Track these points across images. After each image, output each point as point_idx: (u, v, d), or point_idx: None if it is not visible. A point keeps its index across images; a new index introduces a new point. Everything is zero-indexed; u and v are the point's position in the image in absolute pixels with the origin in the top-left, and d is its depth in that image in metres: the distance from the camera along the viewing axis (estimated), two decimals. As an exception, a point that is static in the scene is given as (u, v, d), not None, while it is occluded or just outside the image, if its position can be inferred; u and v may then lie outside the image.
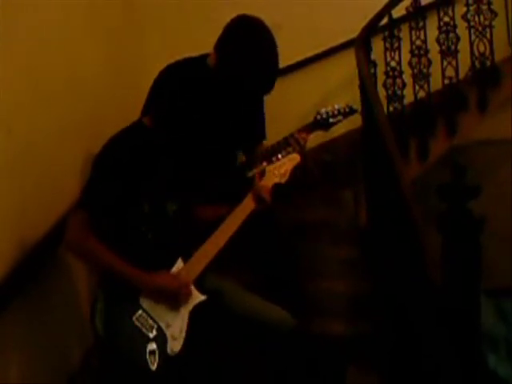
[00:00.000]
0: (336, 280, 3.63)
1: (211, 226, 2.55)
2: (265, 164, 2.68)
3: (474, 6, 4.60)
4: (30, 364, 2.45)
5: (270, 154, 2.88)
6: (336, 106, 2.97)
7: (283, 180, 2.65)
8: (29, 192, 2.52)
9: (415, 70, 4.53)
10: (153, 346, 2.37)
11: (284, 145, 2.91)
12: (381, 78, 4.48)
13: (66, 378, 2.71)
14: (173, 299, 2.44)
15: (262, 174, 2.64)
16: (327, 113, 2.96)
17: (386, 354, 3.00)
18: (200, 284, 2.49)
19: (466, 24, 4.61)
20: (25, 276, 2.40)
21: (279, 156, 2.67)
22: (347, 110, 3.00)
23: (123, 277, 2.38)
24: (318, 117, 2.96)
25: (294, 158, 2.69)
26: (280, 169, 2.66)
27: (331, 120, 2.97)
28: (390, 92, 4.51)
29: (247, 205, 2.58)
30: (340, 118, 2.98)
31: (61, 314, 2.72)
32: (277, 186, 2.64)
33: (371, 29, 4.32)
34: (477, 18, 4.62)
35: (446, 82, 4.59)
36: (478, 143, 4.61)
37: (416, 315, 2.54)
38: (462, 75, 4.64)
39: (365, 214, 4.05)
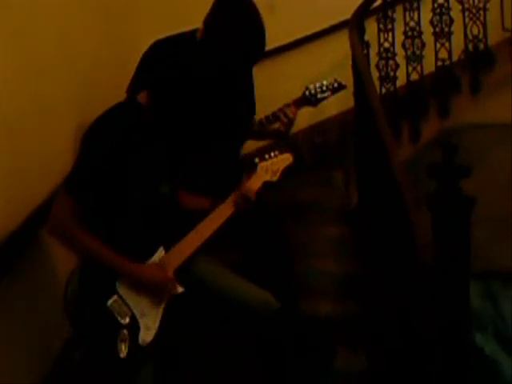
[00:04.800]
0: (326, 259, 3.65)
1: (195, 218, 2.50)
2: (257, 160, 2.66)
3: (469, -12, 4.60)
4: (9, 352, 2.40)
5: (259, 130, 2.89)
6: (324, 82, 2.96)
7: (274, 178, 2.63)
8: (17, 166, 2.45)
9: (408, 52, 4.53)
10: (124, 333, 2.30)
11: (273, 119, 2.91)
12: (374, 59, 4.48)
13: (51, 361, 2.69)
14: (153, 291, 2.38)
15: (254, 169, 2.62)
16: (315, 88, 2.96)
17: (375, 335, 3.01)
18: (184, 270, 2.43)
19: (460, 6, 4.61)
20: (13, 250, 2.37)
21: (272, 154, 2.65)
22: (335, 85, 2.98)
23: (108, 264, 2.29)
24: (307, 92, 2.95)
25: (287, 158, 2.66)
26: (272, 167, 2.64)
27: (319, 95, 2.96)
28: (382, 73, 4.51)
29: (232, 203, 2.54)
30: (328, 93, 2.97)
31: (42, 297, 2.68)
32: (267, 183, 2.62)
33: (365, 10, 4.31)
34: (471, 1, 4.62)
35: (439, 64, 4.59)
36: (469, 126, 4.61)
37: (405, 295, 2.55)
38: (455, 58, 4.64)
39: (355, 194, 4.06)
